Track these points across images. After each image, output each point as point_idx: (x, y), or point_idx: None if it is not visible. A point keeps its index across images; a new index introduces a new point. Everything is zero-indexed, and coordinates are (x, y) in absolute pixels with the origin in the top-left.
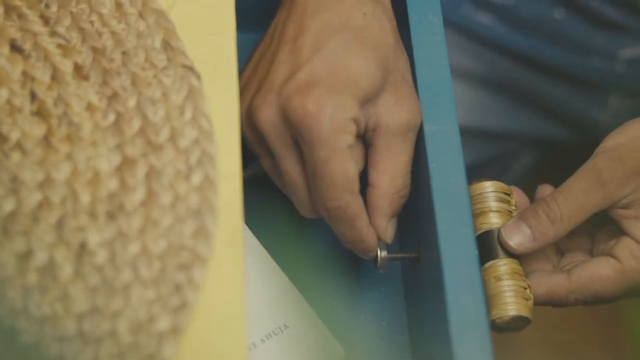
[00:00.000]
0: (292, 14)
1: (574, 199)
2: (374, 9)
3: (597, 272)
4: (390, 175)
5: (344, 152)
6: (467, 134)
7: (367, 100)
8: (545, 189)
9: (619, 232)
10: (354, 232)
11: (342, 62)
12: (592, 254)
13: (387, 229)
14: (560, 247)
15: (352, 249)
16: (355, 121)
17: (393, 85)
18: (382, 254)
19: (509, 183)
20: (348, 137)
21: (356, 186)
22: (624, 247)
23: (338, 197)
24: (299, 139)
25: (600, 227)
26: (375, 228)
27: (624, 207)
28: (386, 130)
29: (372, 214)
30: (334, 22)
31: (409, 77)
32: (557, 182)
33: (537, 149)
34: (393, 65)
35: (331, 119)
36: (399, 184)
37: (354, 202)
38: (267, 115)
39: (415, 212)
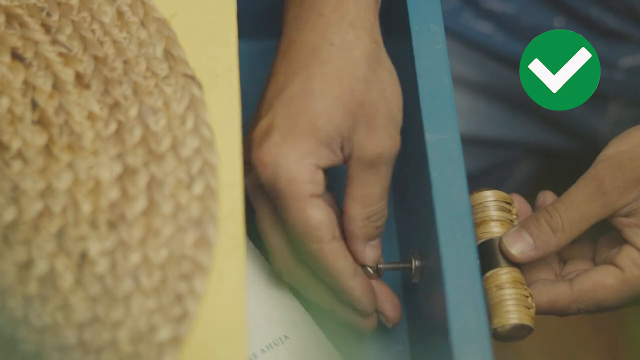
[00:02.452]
0: (277, 53)
1: (575, 208)
2: (344, 36)
3: (600, 280)
4: (361, 203)
5: (304, 201)
6: (467, 142)
7: (334, 138)
8: (546, 195)
9: (621, 240)
10: (336, 282)
11: (299, 103)
12: (594, 262)
13: (365, 252)
14: (562, 256)
15: (349, 317)
16: (317, 167)
17: (364, 118)
18: (378, 266)
19: (508, 191)
20: (308, 186)
21: (326, 233)
22: (626, 256)
23: (307, 246)
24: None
25: (603, 236)
26: (353, 254)
27: (626, 216)
28: (357, 162)
29: (347, 240)
30: (301, 58)
31: (386, 106)
32: (557, 191)
33: (536, 158)
34: (363, 97)
35: (286, 169)
36: (370, 211)
37: (325, 250)
38: (245, 167)
39: (416, 222)
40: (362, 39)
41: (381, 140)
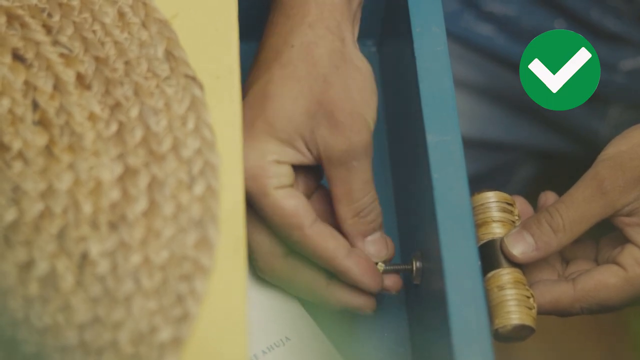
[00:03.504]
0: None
1: (576, 208)
2: (303, 37)
3: (602, 280)
4: (344, 201)
5: (273, 194)
6: (467, 144)
7: (295, 138)
8: (547, 196)
9: (624, 240)
10: (331, 265)
11: (258, 106)
12: (597, 262)
13: (367, 247)
14: (565, 256)
15: (343, 301)
16: (280, 162)
17: (324, 116)
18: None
19: (510, 194)
20: (272, 180)
21: (305, 218)
22: (628, 255)
23: (291, 236)
24: None
25: (605, 235)
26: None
27: (627, 215)
28: (327, 162)
29: (347, 239)
30: (264, 62)
31: (349, 102)
32: (558, 193)
33: (537, 160)
34: (322, 95)
35: (248, 169)
36: (356, 207)
37: (309, 235)
38: None
39: (417, 223)
40: (323, 38)
41: (345, 137)
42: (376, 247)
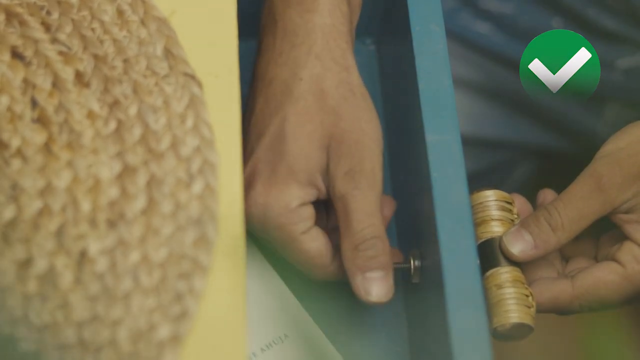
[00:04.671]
0: (254, 86)
1: (574, 205)
2: (312, 70)
3: (601, 277)
4: (345, 233)
5: (299, 240)
6: (465, 142)
7: (314, 176)
8: (546, 194)
9: (623, 237)
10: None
11: (277, 148)
12: (597, 259)
13: (359, 285)
14: (565, 254)
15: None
16: (304, 203)
17: (333, 149)
18: None
19: (508, 192)
20: (298, 227)
21: (326, 258)
22: (627, 252)
23: (312, 273)
24: None
25: (605, 233)
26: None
27: (626, 212)
28: (332, 193)
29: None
30: (275, 97)
31: (357, 135)
32: (557, 191)
33: (535, 159)
34: (333, 128)
35: (273, 218)
36: (355, 240)
37: (331, 271)
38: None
39: (416, 222)
40: (330, 69)
41: (347, 164)
42: (375, 286)
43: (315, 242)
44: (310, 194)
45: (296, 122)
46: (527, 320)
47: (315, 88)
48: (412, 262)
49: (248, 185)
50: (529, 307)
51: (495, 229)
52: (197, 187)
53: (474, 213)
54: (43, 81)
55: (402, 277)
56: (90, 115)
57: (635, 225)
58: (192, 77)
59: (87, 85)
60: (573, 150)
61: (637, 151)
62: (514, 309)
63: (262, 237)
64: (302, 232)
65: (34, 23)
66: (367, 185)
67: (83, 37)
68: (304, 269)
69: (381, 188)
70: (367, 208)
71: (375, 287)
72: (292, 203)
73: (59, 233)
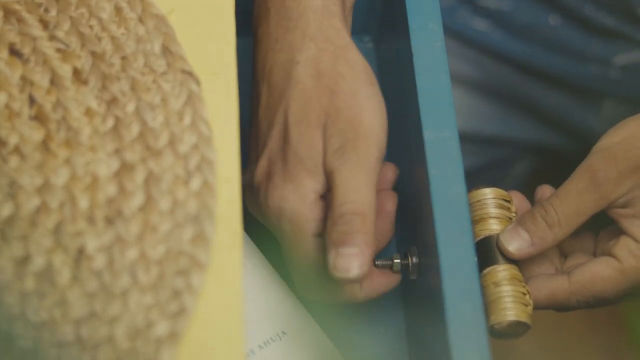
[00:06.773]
0: (256, 76)
1: (570, 201)
2: (307, 52)
3: (598, 272)
4: (330, 207)
5: (310, 242)
6: (463, 140)
7: (319, 160)
8: (544, 190)
9: (621, 232)
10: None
11: (286, 138)
12: (595, 255)
13: (330, 258)
14: (563, 250)
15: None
16: (319, 194)
17: (330, 125)
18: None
19: (506, 189)
20: (310, 225)
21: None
22: (623, 246)
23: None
24: None
25: (603, 228)
26: None
27: (622, 207)
28: (326, 168)
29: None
30: (278, 84)
31: (354, 110)
32: (555, 188)
33: (533, 156)
34: (329, 107)
35: (287, 208)
36: (335, 214)
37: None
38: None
39: (414, 219)
40: (325, 50)
41: (338, 137)
42: (344, 262)
43: (322, 252)
44: (322, 181)
45: (296, 107)
46: (524, 318)
47: (312, 70)
48: (410, 259)
49: (267, 178)
50: (526, 305)
51: (493, 226)
52: (195, 184)
53: (472, 211)
54: (41, 78)
55: (401, 274)
56: (88, 112)
57: (631, 219)
58: (190, 74)
59: (85, 82)
60: (571, 147)
61: (632, 145)
62: (511, 306)
63: (275, 231)
64: (313, 234)
65: (31, 20)
66: (357, 161)
67: (81, 35)
68: (304, 269)
69: (375, 166)
70: (351, 184)
71: (345, 262)
72: (307, 196)
73: (57, 230)
